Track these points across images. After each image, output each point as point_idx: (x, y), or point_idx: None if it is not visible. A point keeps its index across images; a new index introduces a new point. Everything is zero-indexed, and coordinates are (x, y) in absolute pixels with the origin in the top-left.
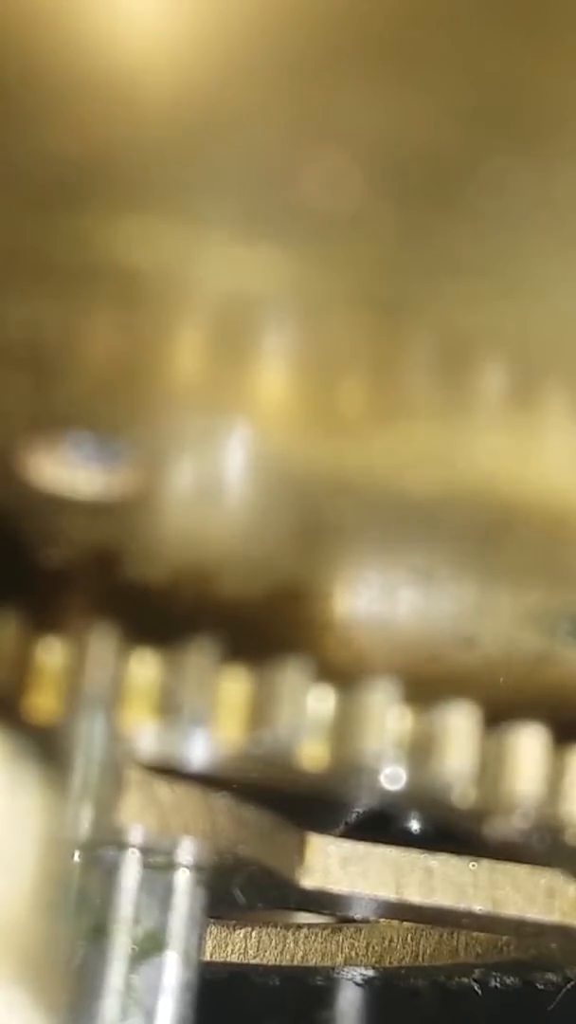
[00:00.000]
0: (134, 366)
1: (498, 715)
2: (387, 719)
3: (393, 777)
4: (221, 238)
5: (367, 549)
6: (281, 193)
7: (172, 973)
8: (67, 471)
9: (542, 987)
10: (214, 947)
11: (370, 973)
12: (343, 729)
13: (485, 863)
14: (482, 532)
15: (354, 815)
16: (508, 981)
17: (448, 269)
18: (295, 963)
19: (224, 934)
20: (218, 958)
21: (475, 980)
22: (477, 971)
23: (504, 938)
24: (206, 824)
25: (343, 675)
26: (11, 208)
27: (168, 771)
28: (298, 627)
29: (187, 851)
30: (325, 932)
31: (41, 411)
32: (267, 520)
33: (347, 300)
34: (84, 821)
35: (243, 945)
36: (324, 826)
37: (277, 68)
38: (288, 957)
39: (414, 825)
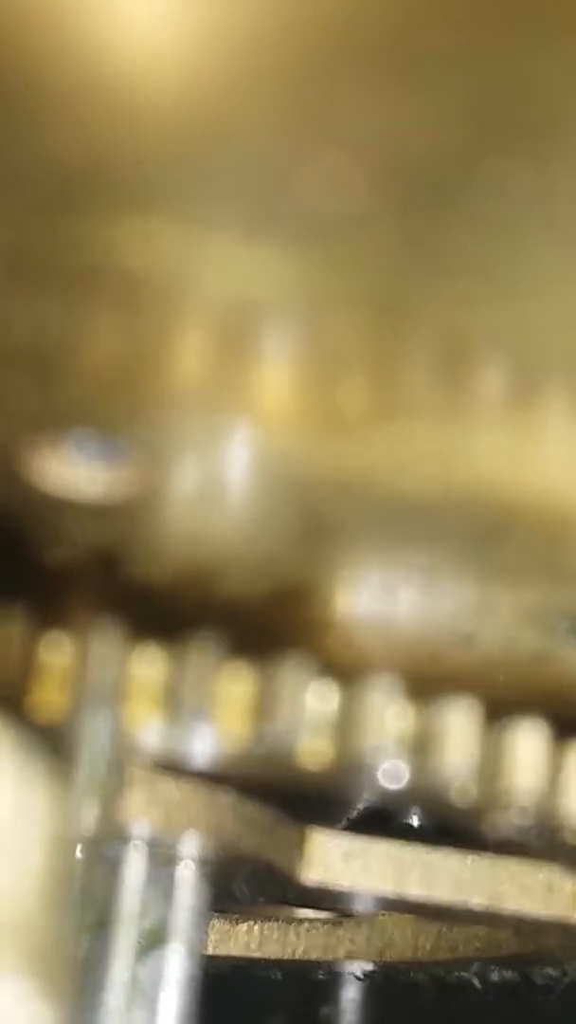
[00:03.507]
0: (137, 367)
1: (498, 712)
2: (388, 716)
3: (394, 774)
4: (223, 240)
5: (368, 548)
6: (282, 195)
7: (176, 966)
8: (70, 471)
9: (541, 982)
10: (217, 941)
11: (371, 967)
12: (344, 726)
13: (485, 858)
14: (482, 531)
15: (356, 810)
16: (507, 976)
17: (449, 270)
18: (296, 957)
19: (227, 928)
20: (221, 952)
21: (475, 974)
22: (477, 965)
23: (504, 933)
24: (209, 819)
25: (344, 673)
26: (14, 211)
27: (172, 767)
28: (299, 625)
29: (190, 846)
30: (326, 926)
31: (44, 412)
32: (269, 520)
33: (348, 301)
34: (89, 816)
35: (245, 939)
36: (326, 821)
37: (278, 71)
38: (290, 951)
39: (415, 820)
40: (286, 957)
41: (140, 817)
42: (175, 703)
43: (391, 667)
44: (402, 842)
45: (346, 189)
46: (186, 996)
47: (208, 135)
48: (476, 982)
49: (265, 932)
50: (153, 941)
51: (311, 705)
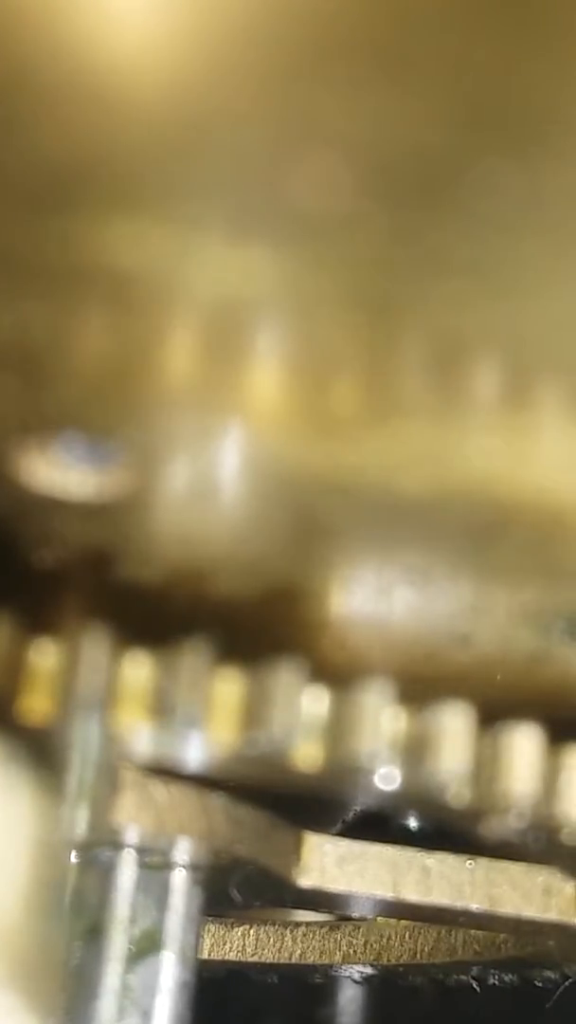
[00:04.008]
0: (126, 368)
1: (493, 714)
2: (382, 719)
3: (388, 777)
4: (211, 240)
5: (361, 549)
6: (271, 194)
7: (169, 973)
8: (59, 473)
9: (540, 984)
10: (212, 945)
11: (368, 971)
12: (338, 729)
13: (482, 861)
14: (477, 532)
15: (351, 814)
16: (506, 978)
17: (439, 270)
18: (293, 961)
19: (222, 932)
20: (216, 956)
21: (473, 978)
22: (475, 969)
23: (502, 936)
24: (202, 824)
25: (338, 675)
26: (2, 211)
27: (164, 771)
28: (292, 627)
29: (183, 851)
30: (323, 930)
31: (33, 413)
32: (261, 521)
33: (338, 301)
34: (80, 822)
35: (241, 943)
36: (321, 825)
37: (266, 70)
38: (286, 955)
39: (411, 824)
40: (282, 961)
41: (132, 822)
42: (166, 707)
43: (386, 668)
44: (398, 846)
45: (336, 188)
46: (179, 1003)
47: (196, 134)
48: (475, 985)
49: (261, 936)
50: (146, 947)
51: (305, 708)
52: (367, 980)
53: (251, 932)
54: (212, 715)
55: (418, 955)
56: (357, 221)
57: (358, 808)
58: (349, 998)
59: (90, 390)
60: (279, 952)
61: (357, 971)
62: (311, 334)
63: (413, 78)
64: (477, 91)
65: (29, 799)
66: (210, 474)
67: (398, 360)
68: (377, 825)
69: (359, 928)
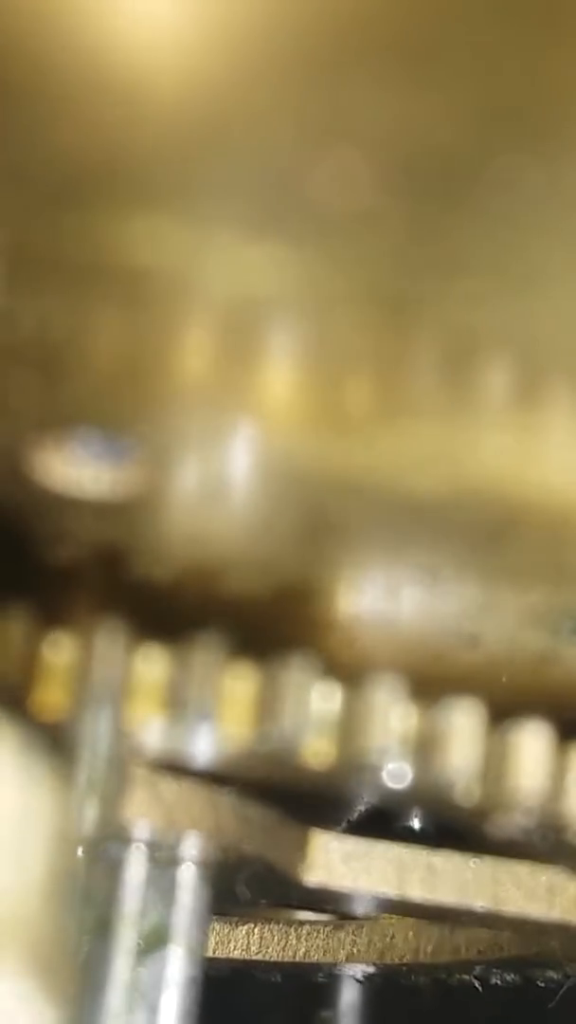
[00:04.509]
0: (141, 365)
1: (502, 713)
2: (391, 717)
3: (397, 774)
4: (229, 237)
5: (372, 548)
6: (289, 192)
7: (176, 968)
8: (74, 469)
9: (543, 984)
10: (217, 943)
11: (371, 970)
12: (348, 726)
13: (487, 860)
14: (487, 531)
15: (357, 812)
16: (509, 978)
17: (456, 268)
18: (297, 959)
19: (227, 930)
20: (221, 954)
21: (476, 977)
22: (478, 968)
23: (505, 935)
24: (210, 820)
25: (348, 673)
26: (21, 207)
27: (173, 767)
28: (303, 625)
29: (192, 847)
30: (327, 929)
31: (49, 409)
32: (273, 519)
33: (354, 299)
34: (90, 816)
35: (246, 941)
36: (327, 822)
37: (285, 67)
38: (290, 953)
39: (416, 822)
40: (286, 959)
41: (141, 818)
42: (178, 703)
43: (395, 667)
44: (404, 844)
45: (354, 186)
46: (187, 998)
47: (215, 131)
48: (477, 985)
49: (265, 934)
50: (154, 943)
51: (315, 705)
52: (370, 979)
53: (255, 931)
54: (224, 710)
55: (421, 954)
56: (375, 218)
57: (365, 806)
58: (352, 997)
59: (106, 386)
60: (283, 951)
61: (360, 970)
62: (326, 332)
63: (432, 75)
64: (496, 88)
65: (43, 793)
66: (223, 472)
67: (412, 359)
68: (383, 823)
69: (363, 927)
